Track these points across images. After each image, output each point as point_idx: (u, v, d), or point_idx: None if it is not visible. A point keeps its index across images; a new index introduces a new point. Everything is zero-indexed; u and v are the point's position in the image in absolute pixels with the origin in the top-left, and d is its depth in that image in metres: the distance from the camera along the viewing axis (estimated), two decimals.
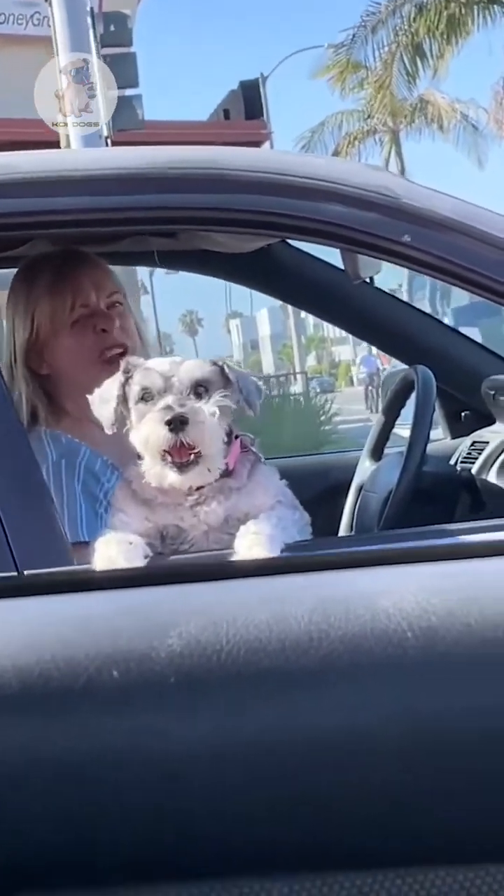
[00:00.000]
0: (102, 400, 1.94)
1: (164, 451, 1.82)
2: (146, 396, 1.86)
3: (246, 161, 1.92)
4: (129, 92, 12.38)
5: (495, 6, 24.91)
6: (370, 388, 30.94)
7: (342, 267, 2.40)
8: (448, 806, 1.35)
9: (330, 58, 29.22)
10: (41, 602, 1.56)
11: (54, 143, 9.25)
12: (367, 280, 2.58)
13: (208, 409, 1.83)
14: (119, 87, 12.26)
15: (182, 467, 1.82)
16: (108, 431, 1.92)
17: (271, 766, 1.32)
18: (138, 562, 1.78)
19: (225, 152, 1.97)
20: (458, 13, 25.18)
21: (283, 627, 1.34)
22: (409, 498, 2.43)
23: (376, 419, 3.00)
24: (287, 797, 1.33)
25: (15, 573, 1.70)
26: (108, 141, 10.41)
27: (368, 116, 30.95)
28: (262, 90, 19.56)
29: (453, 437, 3.19)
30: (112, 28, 11.63)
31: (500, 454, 2.82)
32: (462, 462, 2.96)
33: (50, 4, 10.68)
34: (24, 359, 2.38)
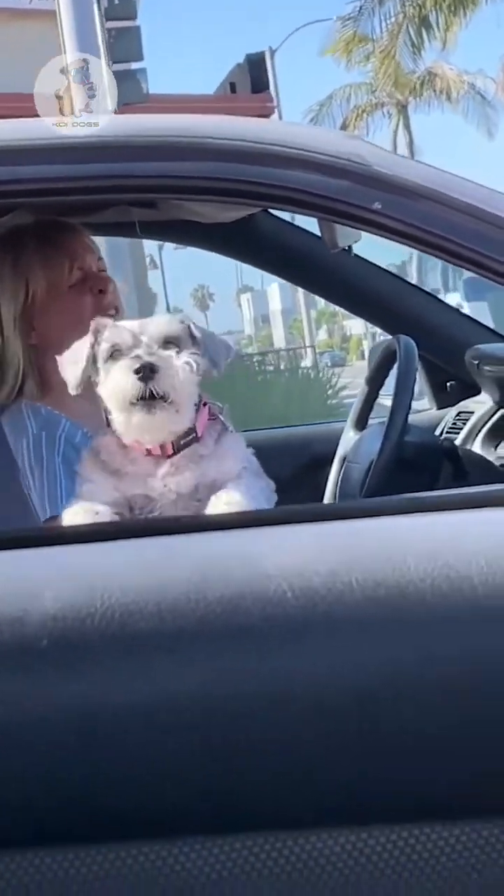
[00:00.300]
0: (71, 361, 1.93)
1: (133, 402, 1.81)
2: (115, 354, 1.84)
3: (216, 129, 1.91)
4: (133, 66, 12.35)
5: None
6: None
7: None
8: (330, 767, 1.35)
9: (338, 30, 29.15)
10: None
11: None
12: (346, 249, 2.57)
13: (179, 360, 1.82)
14: (124, 61, 12.22)
15: (150, 408, 1.80)
16: (73, 392, 1.91)
17: (143, 730, 1.31)
18: None
19: (195, 120, 1.95)
20: None
21: (160, 590, 1.32)
22: (391, 468, 2.43)
23: (360, 389, 3.00)
24: (163, 761, 1.32)
25: None
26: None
27: (375, 90, 30.82)
28: (268, 63, 19.49)
29: (439, 408, 3.19)
30: (116, 1, 11.58)
31: (484, 424, 2.82)
32: (447, 432, 2.96)
33: None
34: (15, 329, 2.36)
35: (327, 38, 29.92)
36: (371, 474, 2.46)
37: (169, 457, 1.87)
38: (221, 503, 1.81)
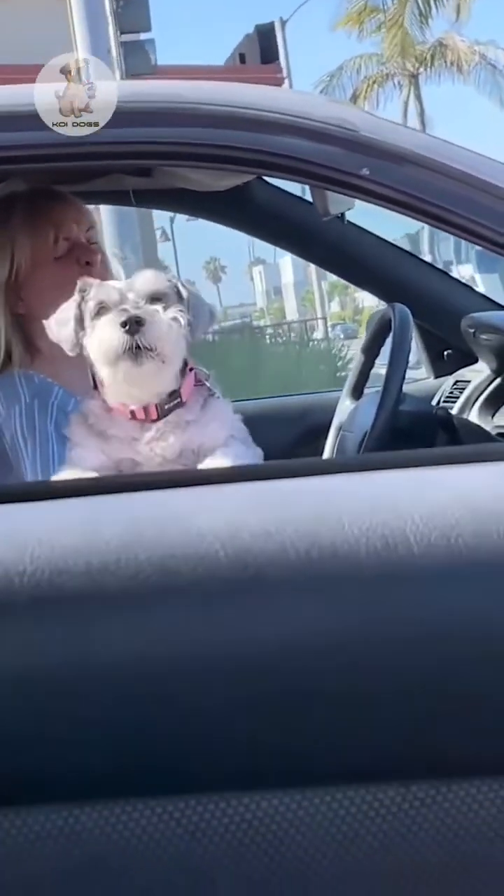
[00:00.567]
0: (60, 322, 1.92)
1: (120, 355, 1.79)
2: (102, 311, 1.83)
3: (205, 95, 1.90)
4: (142, 36, 12.30)
5: None
6: None
7: None
8: (262, 728, 1.34)
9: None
10: None
11: None
12: (339, 216, 2.55)
13: (166, 315, 1.82)
14: (131, 32, 12.17)
15: (137, 360, 1.79)
16: (71, 353, 1.90)
17: (71, 692, 1.30)
18: None
19: (185, 86, 1.94)
20: None
21: (91, 549, 1.31)
22: (386, 437, 2.41)
23: (356, 358, 2.99)
24: (89, 724, 1.31)
25: None
26: None
27: (386, 61, 30.74)
28: (279, 34, 19.41)
29: (437, 377, 3.18)
30: None
31: (480, 393, 2.81)
32: (445, 401, 2.95)
33: None
34: (1, 298, 2.36)
35: (338, 8, 29.87)
36: (365, 444, 2.45)
37: (153, 421, 1.86)
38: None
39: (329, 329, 32.17)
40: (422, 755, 1.39)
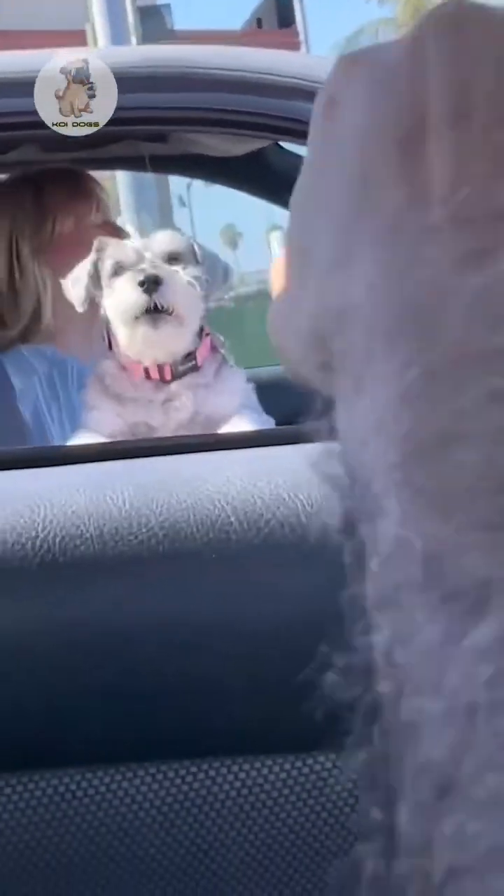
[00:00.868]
0: (75, 280, 1.92)
1: (138, 316, 1.79)
2: (119, 271, 1.84)
3: (216, 59, 1.89)
4: (158, 1, 12.26)
5: None
6: None
7: None
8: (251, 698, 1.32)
9: None
10: None
11: None
12: None
13: (184, 275, 1.81)
14: None
15: (155, 322, 1.79)
16: (80, 309, 1.90)
17: (83, 656, 1.29)
18: None
19: (195, 50, 1.93)
20: None
21: (101, 514, 1.30)
22: None
23: None
24: (95, 689, 1.30)
25: None
26: None
27: (401, 25, 30.53)
28: None
29: None
30: None
31: None
32: None
33: None
34: (35, 265, 2.33)
35: None
36: None
37: (167, 382, 1.86)
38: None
39: None
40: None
